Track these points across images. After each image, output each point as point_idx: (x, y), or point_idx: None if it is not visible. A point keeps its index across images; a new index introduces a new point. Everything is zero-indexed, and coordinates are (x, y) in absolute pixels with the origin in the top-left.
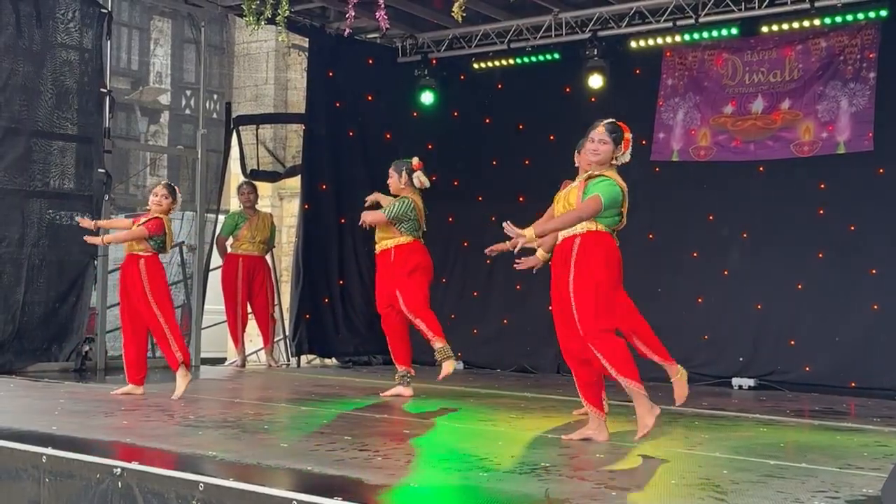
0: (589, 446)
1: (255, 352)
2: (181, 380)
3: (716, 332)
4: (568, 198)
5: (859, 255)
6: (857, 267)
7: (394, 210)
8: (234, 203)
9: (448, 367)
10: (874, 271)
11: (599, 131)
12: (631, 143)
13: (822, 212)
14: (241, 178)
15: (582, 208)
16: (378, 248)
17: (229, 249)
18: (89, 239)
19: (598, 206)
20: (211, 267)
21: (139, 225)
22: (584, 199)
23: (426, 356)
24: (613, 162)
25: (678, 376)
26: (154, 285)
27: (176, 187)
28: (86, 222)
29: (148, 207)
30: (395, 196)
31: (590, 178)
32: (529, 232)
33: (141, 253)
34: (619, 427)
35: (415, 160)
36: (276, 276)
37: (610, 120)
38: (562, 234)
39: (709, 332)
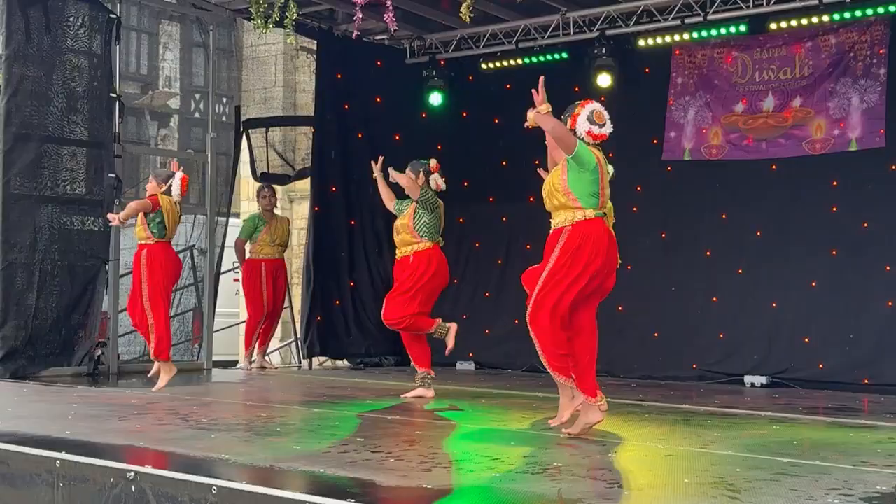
0: (601, 446)
1: (276, 350)
2: (164, 374)
3: (730, 331)
4: (553, 180)
5: (873, 253)
6: (870, 264)
7: (425, 193)
8: (244, 206)
9: (417, 392)
10: (888, 268)
11: None
12: (582, 116)
13: (835, 209)
14: (252, 182)
15: (564, 130)
16: (398, 254)
17: (248, 254)
18: (112, 219)
19: (573, 140)
20: (222, 270)
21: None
22: (569, 181)
23: (440, 356)
24: (572, 140)
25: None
26: (151, 279)
27: (173, 173)
28: (113, 218)
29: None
30: (407, 196)
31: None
32: (531, 114)
33: (144, 241)
34: (630, 428)
35: (433, 162)
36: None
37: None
38: (553, 224)
39: (723, 331)
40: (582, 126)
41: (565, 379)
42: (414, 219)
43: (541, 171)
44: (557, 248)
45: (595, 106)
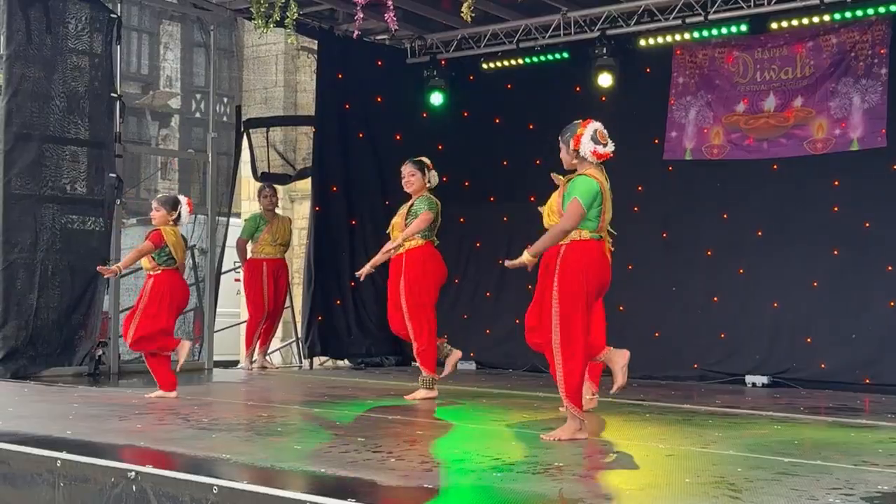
0: (601, 446)
1: (277, 349)
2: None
3: (731, 331)
4: (551, 205)
5: (874, 253)
6: (872, 264)
7: (430, 203)
8: (245, 206)
9: (419, 394)
10: (890, 268)
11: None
12: (586, 136)
13: (836, 209)
14: (253, 182)
15: (565, 219)
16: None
17: (249, 254)
18: (106, 272)
19: (579, 209)
20: (223, 270)
21: (146, 241)
22: (564, 205)
23: (439, 356)
24: (575, 162)
25: (615, 357)
26: (150, 302)
27: (179, 198)
28: (107, 270)
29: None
30: (410, 195)
31: (569, 179)
32: (527, 257)
33: (151, 272)
34: (631, 427)
35: (425, 159)
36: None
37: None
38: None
39: (724, 331)
40: (587, 146)
41: (580, 412)
42: (408, 218)
43: (554, 176)
44: (556, 278)
45: (597, 125)
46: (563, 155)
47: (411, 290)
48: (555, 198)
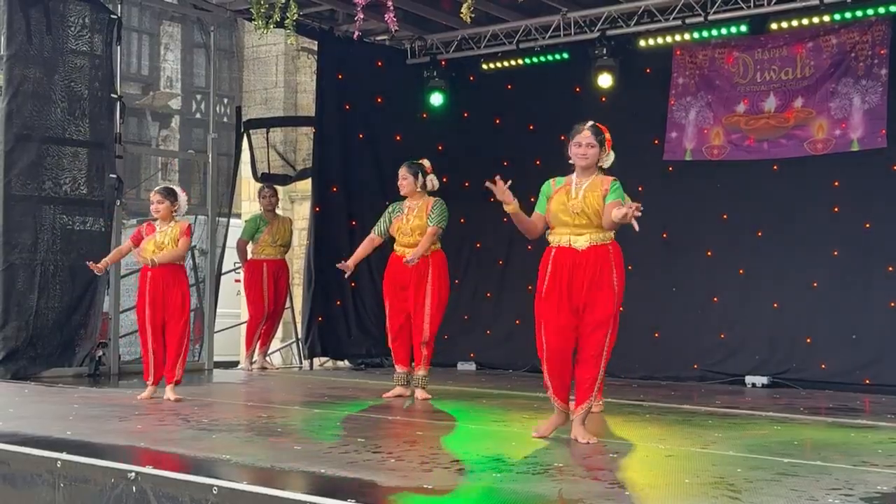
0: (601, 446)
1: (277, 350)
2: (170, 392)
3: (731, 331)
4: (591, 202)
5: (875, 253)
6: (872, 265)
7: (441, 217)
8: (245, 207)
9: (421, 394)
10: (890, 268)
11: (586, 135)
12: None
13: (836, 209)
14: (253, 182)
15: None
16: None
17: (250, 255)
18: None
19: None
20: (223, 270)
21: (182, 238)
22: (607, 201)
23: (440, 357)
24: (596, 159)
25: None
26: (171, 297)
27: (174, 188)
28: (95, 267)
29: (154, 217)
30: (404, 197)
31: (605, 180)
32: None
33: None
34: (631, 428)
35: (426, 162)
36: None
37: (591, 123)
38: (582, 241)
39: (724, 331)
40: (612, 157)
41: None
42: (430, 221)
43: None
44: (614, 275)
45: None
46: (590, 149)
47: (440, 292)
48: (595, 196)
